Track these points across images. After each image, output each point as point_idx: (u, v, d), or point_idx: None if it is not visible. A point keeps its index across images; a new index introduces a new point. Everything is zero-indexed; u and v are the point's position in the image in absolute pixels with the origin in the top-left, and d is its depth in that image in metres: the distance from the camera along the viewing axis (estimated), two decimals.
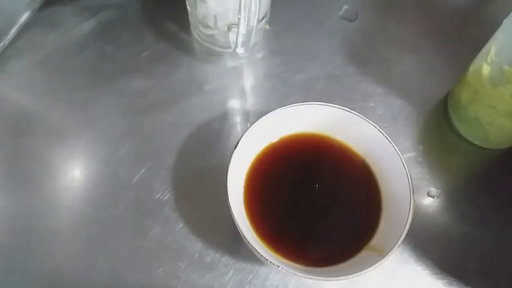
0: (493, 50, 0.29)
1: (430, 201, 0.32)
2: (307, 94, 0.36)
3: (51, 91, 0.36)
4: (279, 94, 0.36)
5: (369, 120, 0.28)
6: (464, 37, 0.39)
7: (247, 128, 0.27)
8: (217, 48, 0.37)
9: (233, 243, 0.29)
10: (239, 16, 0.30)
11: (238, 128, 0.34)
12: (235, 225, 0.24)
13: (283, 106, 0.28)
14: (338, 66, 0.37)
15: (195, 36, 0.38)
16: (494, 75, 0.28)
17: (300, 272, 0.23)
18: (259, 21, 0.32)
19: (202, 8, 0.34)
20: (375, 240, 0.26)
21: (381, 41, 0.39)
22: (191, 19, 0.37)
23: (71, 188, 0.31)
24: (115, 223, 0.30)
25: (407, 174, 0.26)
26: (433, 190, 0.32)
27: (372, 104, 0.36)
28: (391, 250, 0.24)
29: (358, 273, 0.23)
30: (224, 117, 0.35)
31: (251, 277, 0.28)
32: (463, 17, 0.41)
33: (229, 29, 0.34)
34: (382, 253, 0.24)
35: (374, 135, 0.28)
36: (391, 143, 0.27)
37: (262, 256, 0.23)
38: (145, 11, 0.40)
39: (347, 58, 0.38)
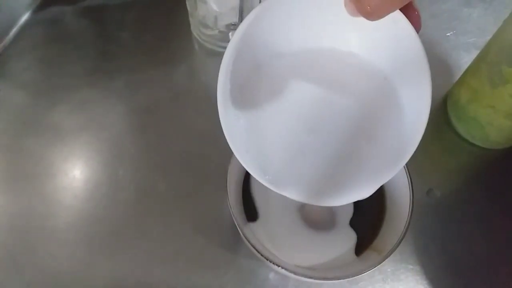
0: (492, 50, 0.29)
1: (429, 201, 0.32)
2: None
3: (51, 91, 0.36)
4: None
5: None
6: (463, 36, 0.39)
7: None
8: (217, 49, 0.37)
9: (233, 242, 0.29)
10: (239, 17, 0.30)
11: None
12: (235, 224, 0.24)
13: None
14: None
15: (196, 36, 0.38)
16: (493, 75, 0.28)
17: (299, 272, 0.23)
18: None
19: (202, 9, 0.34)
20: (376, 241, 0.26)
21: None
22: (191, 19, 0.37)
23: (71, 188, 0.32)
24: (116, 223, 0.30)
25: (407, 174, 0.26)
26: (433, 190, 0.32)
27: None
28: (391, 250, 0.24)
29: (358, 273, 0.23)
30: None
31: (250, 276, 0.29)
32: (462, 17, 0.41)
33: (229, 30, 0.34)
34: (382, 253, 0.24)
35: None
36: None
37: (262, 255, 0.23)
38: (145, 11, 0.40)
39: None
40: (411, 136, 0.20)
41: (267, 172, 0.22)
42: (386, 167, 0.21)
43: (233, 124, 0.22)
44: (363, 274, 0.23)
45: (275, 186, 0.21)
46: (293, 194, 0.21)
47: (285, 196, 0.28)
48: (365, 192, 0.20)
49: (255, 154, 0.22)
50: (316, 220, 0.28)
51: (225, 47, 0.40)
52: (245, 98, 0.22)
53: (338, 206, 0.27)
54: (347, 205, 0.28)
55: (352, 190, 0.21)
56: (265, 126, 0.22)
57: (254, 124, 0.22)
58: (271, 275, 0.29)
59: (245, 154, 0.21)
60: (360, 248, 0.26)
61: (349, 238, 0.27)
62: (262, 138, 0.22)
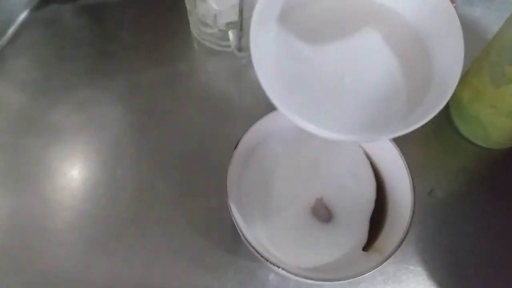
0: (494, 49, 0.29)
1: (431, 201, 0.32)
2: None
3: (50, 91, 0.36)
4: None
5: None
6: (465, 36, 0.39)
7: (248, 129, 0.27)
8: (216, 47, 0.37)
9: (233, 243, 0.29)
10: (239, 15, 0.30)
11: (238, 128, 0.34)
12: (235, 224, 0.24)
13: None
14: None
15: (195, 35, 0.38)
16: (495, 75, 0.28)
17: (299, 273, 0.23)
18: None
19: (202, 7, 0.34)
20: (378, 241, 0.26)
21: None
22: (190, 18, 0.37)
23: (70, 188, 0.31)
24: (115, 223, 0.30)
25: (408, 174, 0.26)
26: (434, 190, 0.32)
27: None
28: (392, 251, 0.23)
29: (359, 275, 0.23)
30: (224, 117, 0.35)
31: (250, 277, 0.28)
32: (464, 16, 0.40)
33: (228, 28, 0.34)
34: (383, 254, 0.24)
35: None
36: (391, 142, 0.27)
37: (262, 256, 0.23)
38: (144, 10, 0.40)
39: None
40: (444, 83, 0.21)
41: (294, 105, 0.22)
42: (416, 114, 0.22)
43: (264, 54, 0.22)
44: (364, 275, 0.23)
45: (302, 117, 0.21)
46: (322, 127, 0.21)
47: (287, 194, 0.28)
48: (396, 132, 0.21)
49: (284, 88, 0.22)
50: (322, 214, 0.27)
51: (224, 46, 0.40)
52: (283, 31, 0.23)
53: (349, 204, 0.28)
54: (365, 202, 0.28)
55: (384, 128, 0.22)
56: (297, 62, 0.23)
57: (286, 60, 0.23)
58: (271, 276, 0.28)
59: (272, 85, 0.21)
60: (364, 248, 0.26)
61: (358, 235, 0.27)
62: (294, 75, 0.23)
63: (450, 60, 0.21)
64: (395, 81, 0.23)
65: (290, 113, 0.20)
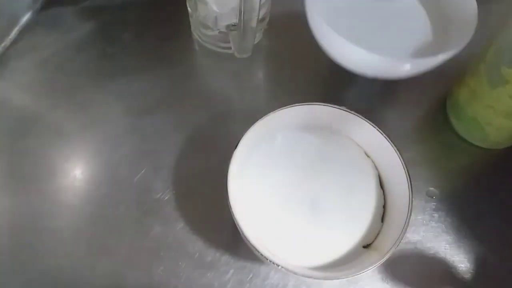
0: (491, 50, 0.29)
1: (429, 201, 0.32)
2: (307, 94, 0.36)
3: (52, 92, 0.36)
4: (279, 94, 0.36)
5: (368, 120, 0.28)
6: None
7: (248, 129, 0.27)
8: (217, 49, 0.37)
9: (233, 242, 0.29)
10: (240, 17, 0.30)
11: (238, 128, 0.34)
12: (235, 224, 0.24)
13: (283, 106, 0.28)
14: (338, 66, 0.38)
15: (196, 37, 0.38)
16: (492, 76, 0.28)
17: (299, 271, 0.23)
18: (259, 22, 0.32)
19: (203, 9, 0.34)
20: (376, 240, 0.26)
21: None
22: (191, 20, 0.37)
23: (72, 188, 0.32)
24: (116, 223, 0.30)
25: (406, 174, 0.26)
26: (432, 190, 0.32)
27: (371, 105, 0.36)
28: (390, 250, 0.24)
29: (358, 273, 0.23)
30: (224, 117, 0.35)
31: (251, 276, 0.29)
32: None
33: (229, 30, 0.35)
34: (381, 253, 0.24)
35: (373, 135, 0.28)
36: (390, 143, 0.27)
37: (262, 255, 0.23)
38: (146, 12, 0.40)
39: None
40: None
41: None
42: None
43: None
44: (362, 274, 0.23)
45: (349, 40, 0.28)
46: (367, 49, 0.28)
47: (287, 193, 0.28)
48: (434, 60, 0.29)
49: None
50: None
51: (225, 47, 0.41)
52: None
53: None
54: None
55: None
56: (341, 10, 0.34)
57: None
58: (271, 274, 0.29)
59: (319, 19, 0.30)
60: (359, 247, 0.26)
61: (357, 233, 0.27)
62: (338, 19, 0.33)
63: (465, 15, 0.31)
64: (425, 30, 0.33)
65: (338, 36, 0.28)
